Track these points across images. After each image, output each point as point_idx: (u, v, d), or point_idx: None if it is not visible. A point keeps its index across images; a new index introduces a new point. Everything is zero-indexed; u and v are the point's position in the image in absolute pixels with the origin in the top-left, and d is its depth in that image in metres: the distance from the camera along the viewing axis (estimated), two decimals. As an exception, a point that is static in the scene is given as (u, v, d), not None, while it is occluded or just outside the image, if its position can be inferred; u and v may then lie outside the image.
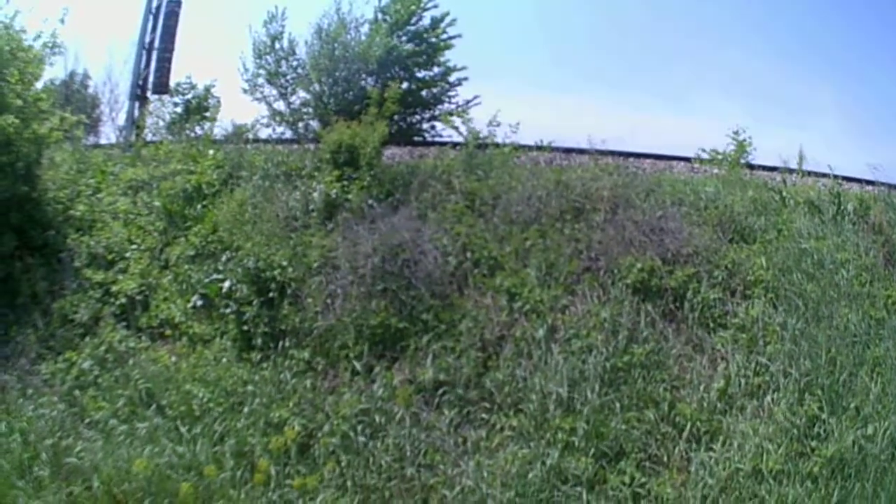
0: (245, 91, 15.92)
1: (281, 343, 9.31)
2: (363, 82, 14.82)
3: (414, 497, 7.60)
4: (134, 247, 11.14)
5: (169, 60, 16.75)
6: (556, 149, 13.23)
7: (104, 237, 11.24)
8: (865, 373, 8.06)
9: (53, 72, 15.33)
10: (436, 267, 9.68)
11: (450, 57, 16.07)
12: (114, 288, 10.46)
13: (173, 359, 9.38)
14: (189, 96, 16.13)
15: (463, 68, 16.19)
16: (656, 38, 27.78)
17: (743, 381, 8.19)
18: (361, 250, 9.90)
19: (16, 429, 8.42)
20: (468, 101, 15.86)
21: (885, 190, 11.17)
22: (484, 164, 11.58)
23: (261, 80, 15.76)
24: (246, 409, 8.49)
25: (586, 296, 9.27)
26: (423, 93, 15.95)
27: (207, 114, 15.60)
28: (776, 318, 8.75)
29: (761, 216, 10.38)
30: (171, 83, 16.56)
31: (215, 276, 10.13)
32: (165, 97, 16.40)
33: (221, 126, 14.56)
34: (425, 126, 16.12)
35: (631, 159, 13.21)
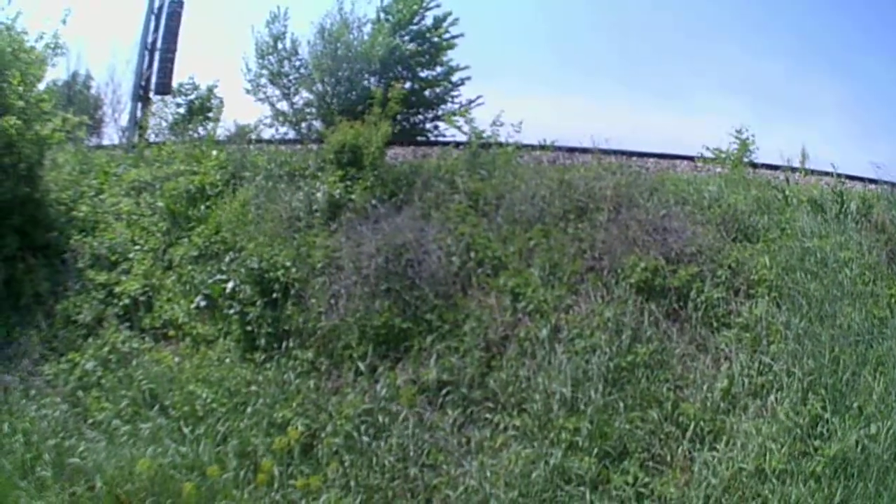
0: (248, 91, 16.04)
1: (284, 343, 9.31)
2: (366, 82, 14.88)
3: (417, 497, 7.58)
4: (137, 247, 11.16)
5: (171, 61, 16.76)
6: (560, 148, 13.22)
7: (107, 238, 11.26)
8: (869, 372, 8.03)
9: (56, 73, 15.44)
10: (439, 267, 9.68)
11: (452, 56, 16.15)
12: (117, 289, 10.47)
13: (177, 359, 9.37)
14: (192, 97, 16.20)
15: (465, 68, 16.27)
16: (658, 37, 27.80)
17: (746, 380, 8.16)
18: (365, 250, 9.90)
19: (18, 429, 8.42)
20: (471, 101, 15.94)
21: (888, 188, 11.13)
22: (487, 164, 11.57)
23: (264, 81, 15.86)
24: (249, 410, 8.48)
25: (590, 295, 9.26)
26: (426, 92, 16.02)
27: (210, 114, 15.65)
28: (779, 318, 8.72)
29: (764, 215, 10.35)
30: (174, 84, 16.60)
31: (219, 276, 10.13)
32: (168, 98, 16.44)
33: (224, 126, 14.62)
34: (428, 126, 16.19)
35: (634, 158, 13.18)
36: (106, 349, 9.60)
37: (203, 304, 10.05)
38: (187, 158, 12.76)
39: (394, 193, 10.99)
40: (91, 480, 7.71)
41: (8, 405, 8.87)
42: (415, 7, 15.85)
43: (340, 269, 9.90)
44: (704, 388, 8.14)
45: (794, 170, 12.50)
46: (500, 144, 12.32)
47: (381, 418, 8.22)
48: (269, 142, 14.06)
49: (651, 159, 13.89)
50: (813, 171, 12.57)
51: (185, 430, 8.29)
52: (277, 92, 15.90)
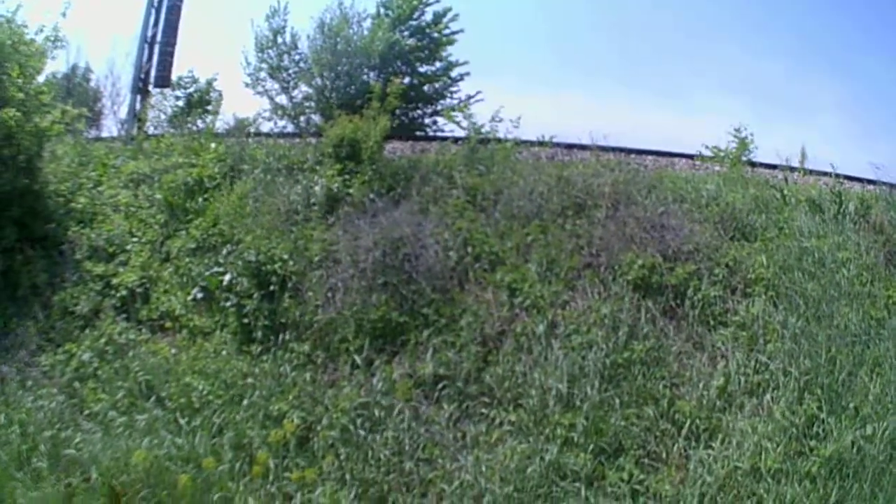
0: (247, 85, 16.05)
1: (281, 336, 9.31)
2: (365, 77, 14.89)
3: (412, 491, 7.59)
4: (135, 239, 11.16)
5: (171, 54, 16.77)
6: (558, 144, 13.21)
7: (105, 230, 11.25)
8: (865, 373, 8.03)
9: (55, 65, 15.49)
10: (437, 261, 9.68)
11: (452, 52, 16.16)
12: (114, 280, 10.47)
13: (173, 351, 9.38)
14: (191, 90, 16.23)
15: (465, 63, 16.29)
16: (658, 35, 27.84)
17: (742, 379, 8.17)
18: (362, 244, 9.90)
19: (15, 420, 8.44)
20: (470, 97, 15.95)
21: (886, 189, 11.13)
22: (485, 160, 11.57)
23: (263, 74, 15.87)
24: (245, 402, 8.48)
25: (587, 292, 9.26)
26: (425, 87, 16.02)
27: (209, 107, 15.65)
28: (776, 317, 8.72)
29: (762, 214, 10.35)
30: (173, 77, 16.62)
31: (216, 269, 10.15)
32: (167, 91, 16.45)
33: (223, 119, 14.59)
34: (427, 121, 16.19)
35: (633, 156, 13.17)
36: (103, 340, 9.61)
37: (200, 296, 10.06)
38: (186, 151, 12.76)
39: (392, 188, 10.99)
40: (87, 472, 7.71)
41: (4, 396, 8.89)
42: (414, 2, 15.86)
43: (337, 262, 9.90)
44: (700, 385, 8.15)
45: (792, 169, 12.50)
46: (499, 140, 12.30)
47: (376, 412, 8.21)
48: (268, 135, 14.05)
49: (650, 157, 13.89)
50: (811, 171, 12.57)
51: (182, 422, 8.31)
52: (277, 86, 15.92)
